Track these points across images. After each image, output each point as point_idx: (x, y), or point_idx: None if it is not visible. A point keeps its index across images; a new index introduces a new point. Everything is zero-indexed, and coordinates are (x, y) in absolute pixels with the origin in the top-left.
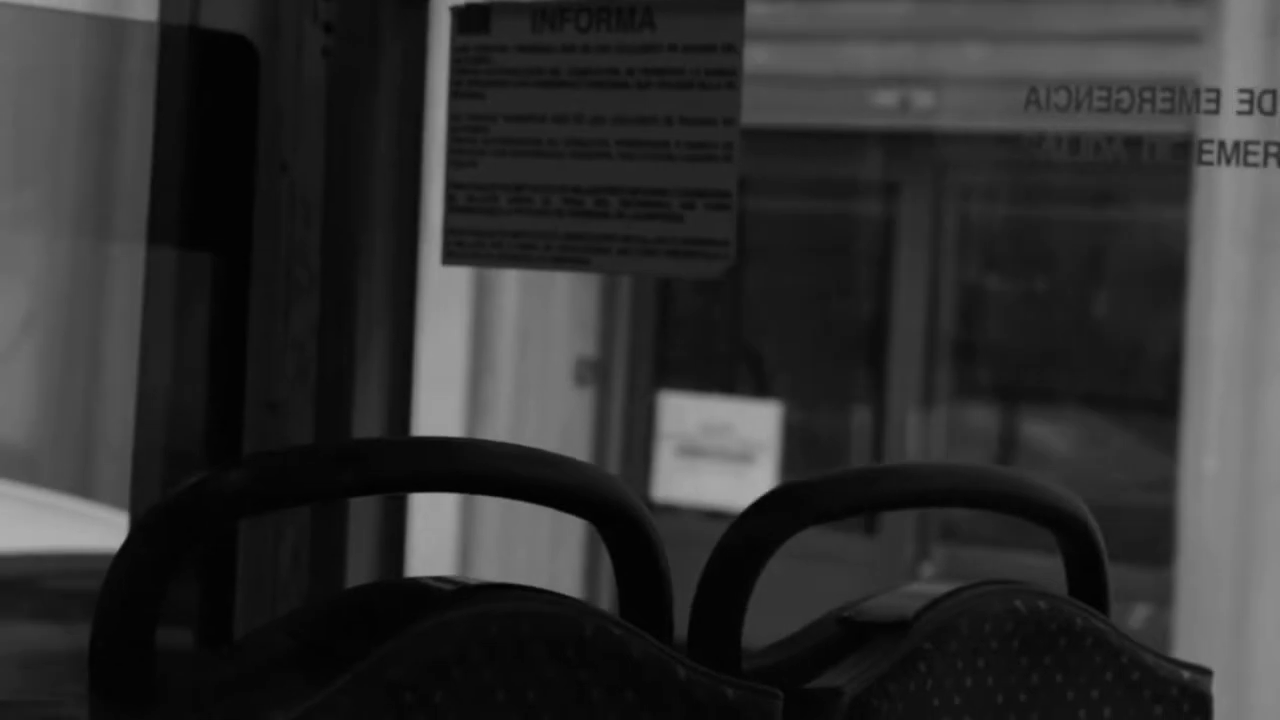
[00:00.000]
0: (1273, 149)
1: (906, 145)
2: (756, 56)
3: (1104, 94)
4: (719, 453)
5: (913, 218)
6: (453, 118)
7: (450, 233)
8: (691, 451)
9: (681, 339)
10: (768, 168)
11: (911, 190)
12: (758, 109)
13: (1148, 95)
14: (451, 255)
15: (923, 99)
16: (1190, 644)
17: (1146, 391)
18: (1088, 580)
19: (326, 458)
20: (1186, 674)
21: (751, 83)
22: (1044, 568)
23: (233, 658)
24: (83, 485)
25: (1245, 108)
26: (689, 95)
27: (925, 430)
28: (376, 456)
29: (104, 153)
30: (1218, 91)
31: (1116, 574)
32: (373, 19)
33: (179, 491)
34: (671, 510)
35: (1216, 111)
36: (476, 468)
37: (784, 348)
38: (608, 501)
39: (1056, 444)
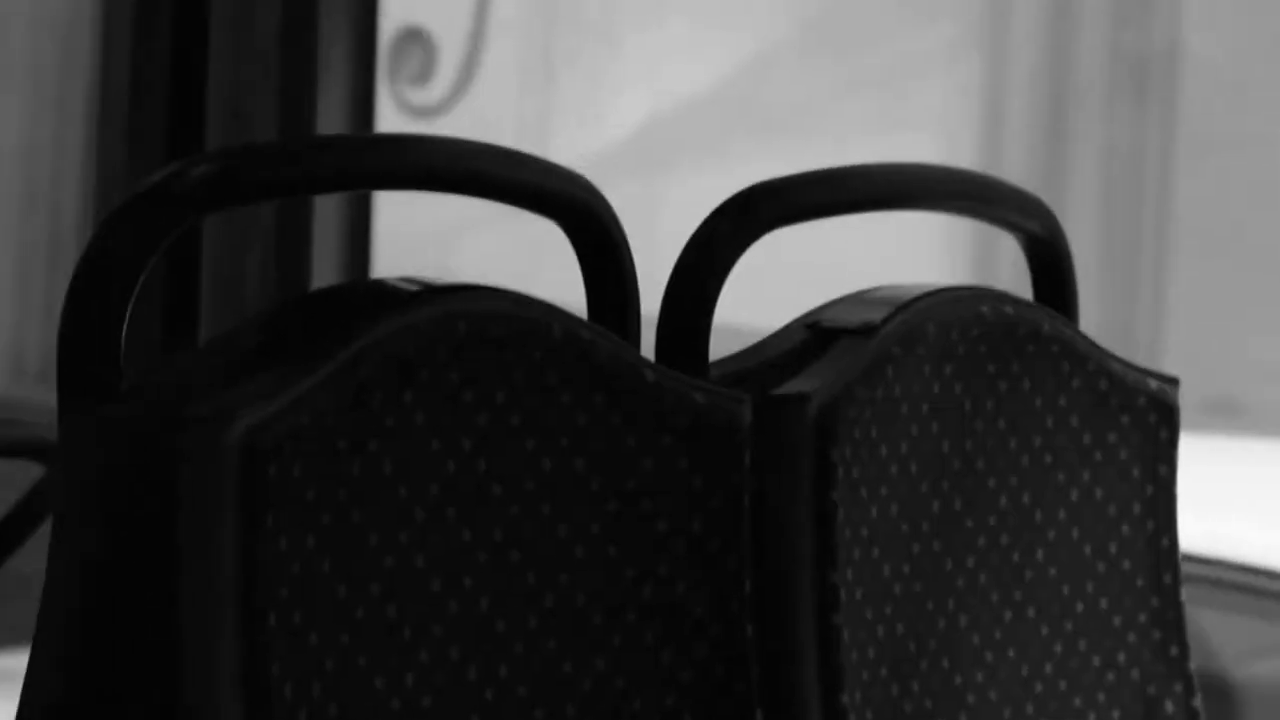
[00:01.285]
0: None
1: None
2: None
3: None
4: None
5: None
6: None
7: None
8: None
9: None
10: None
11: None
12: None
13: None
14: None
15: None
16: None
17: None
18: (1054, 287)
19: (293, 150)
20: (1154, 383)
21: None
22: None
23: (199, 358)
24: None
25: None
26: None
27: None
28: (343, 149)
29: None
30: None
31: None
32: None
33: (148, 185)
34: None
35: None
36: (442, 164)
37: None
38: (576, 202)
39: None
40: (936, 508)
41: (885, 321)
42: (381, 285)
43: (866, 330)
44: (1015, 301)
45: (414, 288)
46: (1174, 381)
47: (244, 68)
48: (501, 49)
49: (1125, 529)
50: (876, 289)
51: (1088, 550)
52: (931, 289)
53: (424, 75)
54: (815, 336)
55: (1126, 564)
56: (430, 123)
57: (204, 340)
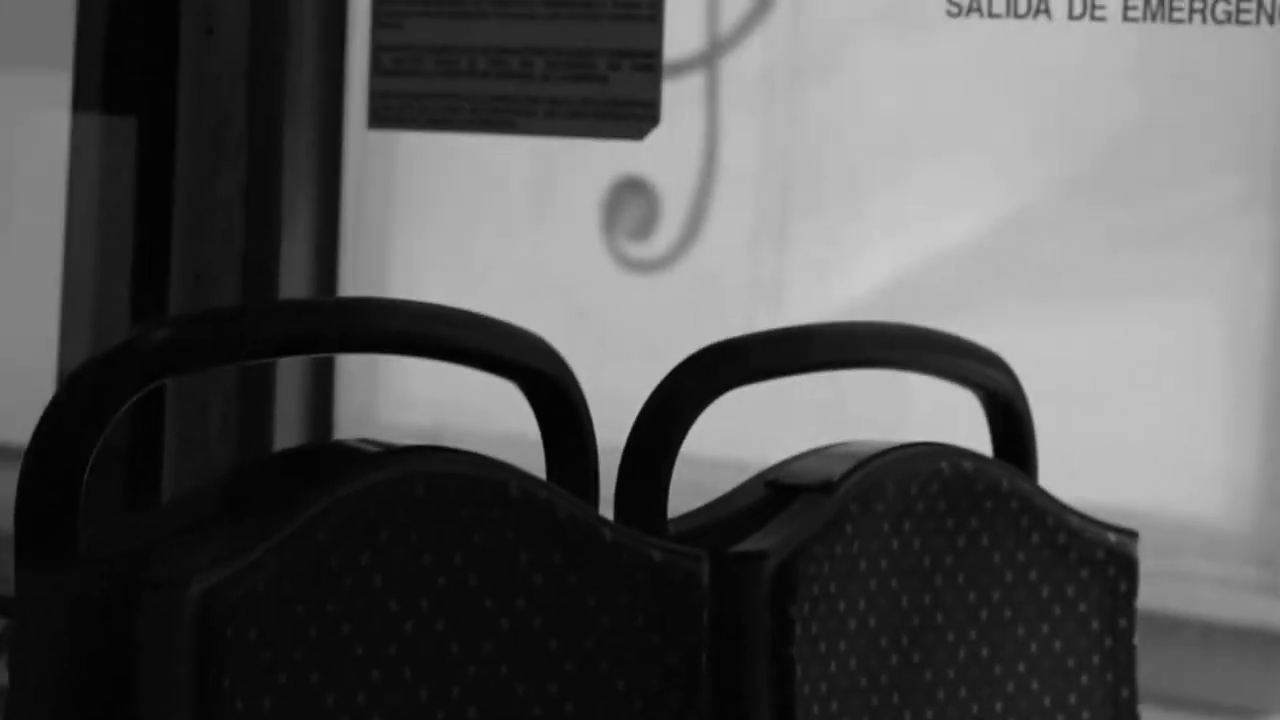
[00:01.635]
0: None
1: None
2: None
3: None
4: None
5: None
6: None
7: (376, 96)
8: None
9: None
10: None
11: None
12: None
13: None
14: (378, 119)
15: None
16: None
17: None
18: (1013, 442)
19: (253, 315)
20: (1113, 536)
21: None
22: None
23: (157, 520)
24: None
25: None
26: None
27: None
28: (302, 314)
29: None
30: None
31: None
32: None
33: (108, 350)
34: None
35: None
36: (402, 329)
37: None
38: (533, 365)
39: None
40: (896, 662)
41: (844, 478)
42: (341, 447)
43: (825, 487)
44: (974, 457)
45: (373, 449)
46: (1133, 534)
47: (207, 225)
48: (731, 202)
49: (1084, 680)
50: (836, 445)
51: (1047, 702)
52: (890, 445)
53: (645, 229)
54: (774, 493)
55: (1085, 715)
56: (652, 279)
57: (166, 500)
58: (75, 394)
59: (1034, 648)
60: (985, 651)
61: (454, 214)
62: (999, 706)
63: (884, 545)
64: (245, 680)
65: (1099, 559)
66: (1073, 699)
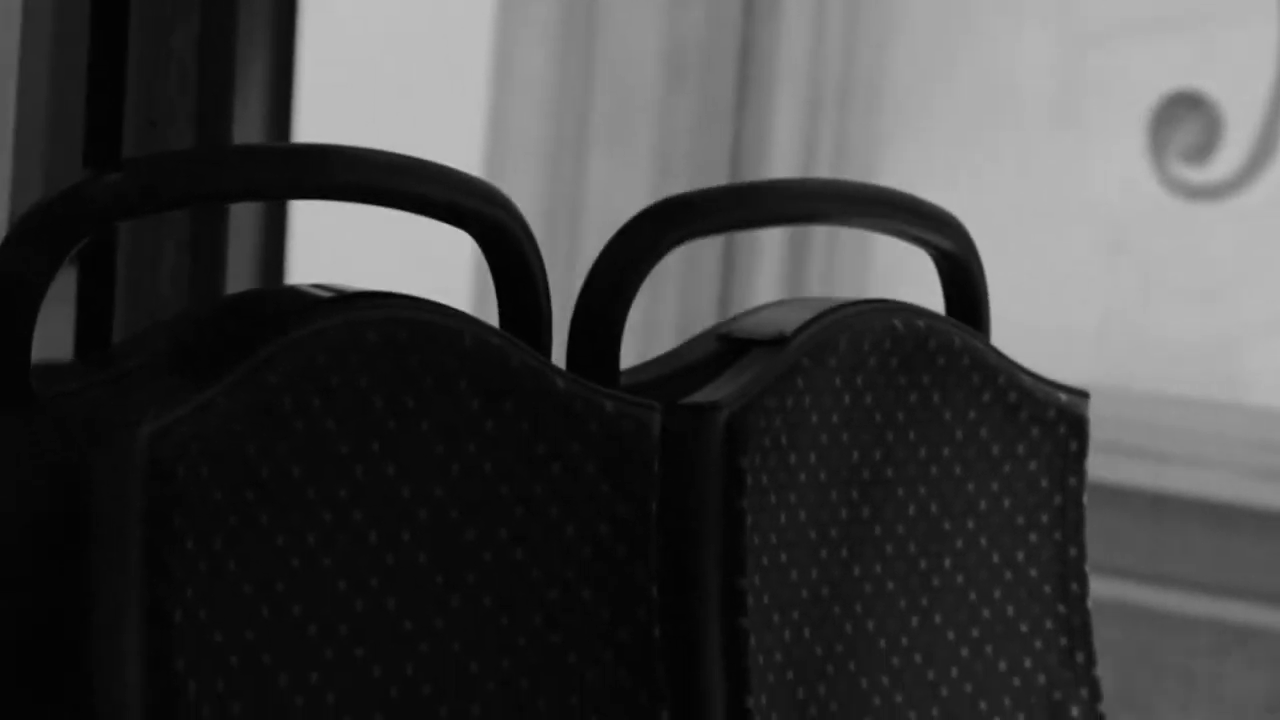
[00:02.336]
0: None
1: None
2: None
3: None
4: None
5: None
6: None
7: None
8: None
9: None
10: None
11: None
12: None
13: None
14: None
15: None
16: None
17: None
18: (966, 301)
19: (204, 159)
20: (1064, 396)
21: None
22: None
23: (107, 363)
24: None
25: None
26: None
27: None
28: (253, 159)
29: None
30: None
31: None
32: None
33: (58, 193)
34: None
35: None
36: (353, 176)
37: None
38: (487, 215)
39: None
40: (845, 515)
41: (797, 332)
42: (294, 291)
43: (778, 341)
44: (927, 315)
45: (326, 294)
46: (1084, 394)
47: (161, 75)
48: None
49: (1033, 538)
50: (789, 300)
51: (995, 558)
52: (843, 301)
53: (1203, 151)
54: (727, 346)
55: (1034, 572)
56: (1212, 207)
57: (115, 343)
58: (25, 236)
59: (983, 504)
60: (934, 507)
61: (956, 124)
62: (947, 562)
63: (836, 399)
64: (196, 519)
65: (1050, 418)
66: (1020, 556)
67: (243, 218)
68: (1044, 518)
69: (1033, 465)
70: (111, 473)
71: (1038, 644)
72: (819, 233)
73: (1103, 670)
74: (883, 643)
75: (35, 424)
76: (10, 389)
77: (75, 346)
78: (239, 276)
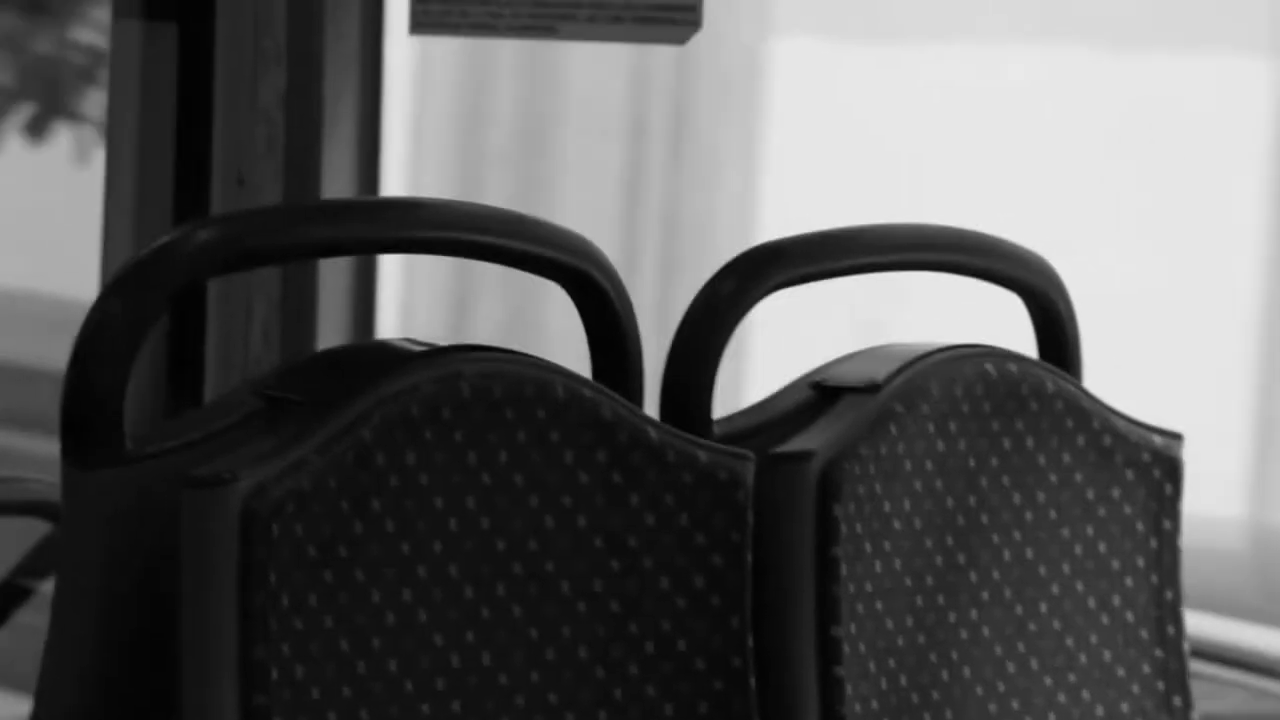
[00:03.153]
0: None
1: None
2: None
3: None
4: None
5: None
6: None
7: (417, 1)
8: None
9: None
10: None
11: None
12: None
13: None
14: (418, 25)
15: None
16: None
17: None
18: (1057, 344)
19: (296, 213)
20: (1159, 439)
21: None
22: None
23: (201, 420)
24: None
25: None
26: None
27: None
28: (345, 213)
29: None
30: None
31: None
32: None
33: (151, 248)
34: None
35: None
36: (445, 229)
37: None
38: (579, 265)
39: None
40: (940, 562)
41: (889, 379)
42: (385, 346)
43: (870, 388)
44: (1019, 359)
45: (417, 348)
46: (1178, 437)
47: (248, 131)
48: None
49: (1129, 582)
50: (881, 347)
51: (1092, 603)
52: (935, 347)
53: None
54: (819, 394)
55: (1130, 616)
56: None
57: (207, 402)
58: (118, 292)
59: (1079, 549)
60: (1030, 553)
61: None
62: (1043, 608)
63: (929, 446)
64: (290, 576)
65: (1144, 461)
66: (1117, 600)
67: (332, 274)
68: (1140, 561)
69: (1128, 509)
70: (206, 530)
71: (1135, 688)
72: None
73: None
74: (980, 690)
75: (129, 480)
76: (104, 445)
77: (167, 406)
78: (329, 333)
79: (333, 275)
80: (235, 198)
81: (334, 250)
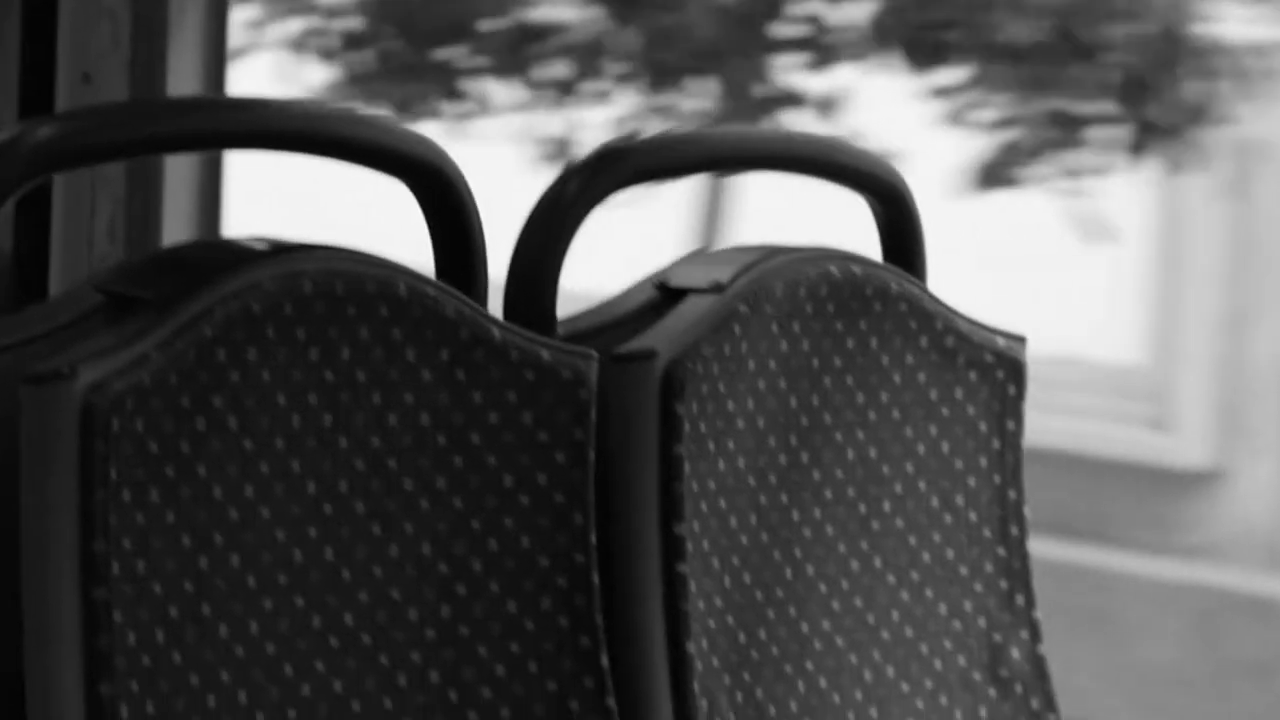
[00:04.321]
0: None
1: None
2: None
3: None
4: None
5: None
6: None
7: None
8: None
9: None
10: None
11: None
12: None
13: None
14: None
15: None
16: None
17: None
18: (902, 246)
19: (137, 110)
20: (1001, 340)
21: None
22: None
23: (43, 316)
24: None
25: None
26: None
27: None
28: (186, 110)
29: None
30: None
31: None
32: None
33: None
34: None
35: None
36: (287, 124)
37: None
38: (422, 161)
39: None
40: (784, 461)
41: (733, 279)
42: (229, 244)
43: (714, 288)
44: (863, 261)
45: (260, 246)
46: (1022, 339)
47: (94, 28)
48: None
49: (972, 482)
50: (724, 249)
51: (935, 503)
52: (778, 248)
53: None
54: (663, 294)
55: (973, 515)
56: None
57: (50, 298)
58: None
59: (922, 449)
60: (873, 452)
61: None
62: (887, 507)
63: (772, 346)
64: (131, 472)
65: (987, 362)
66: (960, 499)
67: (177, 172)
68: (983, 461)
69: (971, 410)
70: (46, 425)
71: (978, 587)
72: None
73: None
74: (823, 587)
75: None
76: None
77: (10, 304)
78: (175, 231)
79: (178, 173)
80: (80, 95)
81: (176, 146)
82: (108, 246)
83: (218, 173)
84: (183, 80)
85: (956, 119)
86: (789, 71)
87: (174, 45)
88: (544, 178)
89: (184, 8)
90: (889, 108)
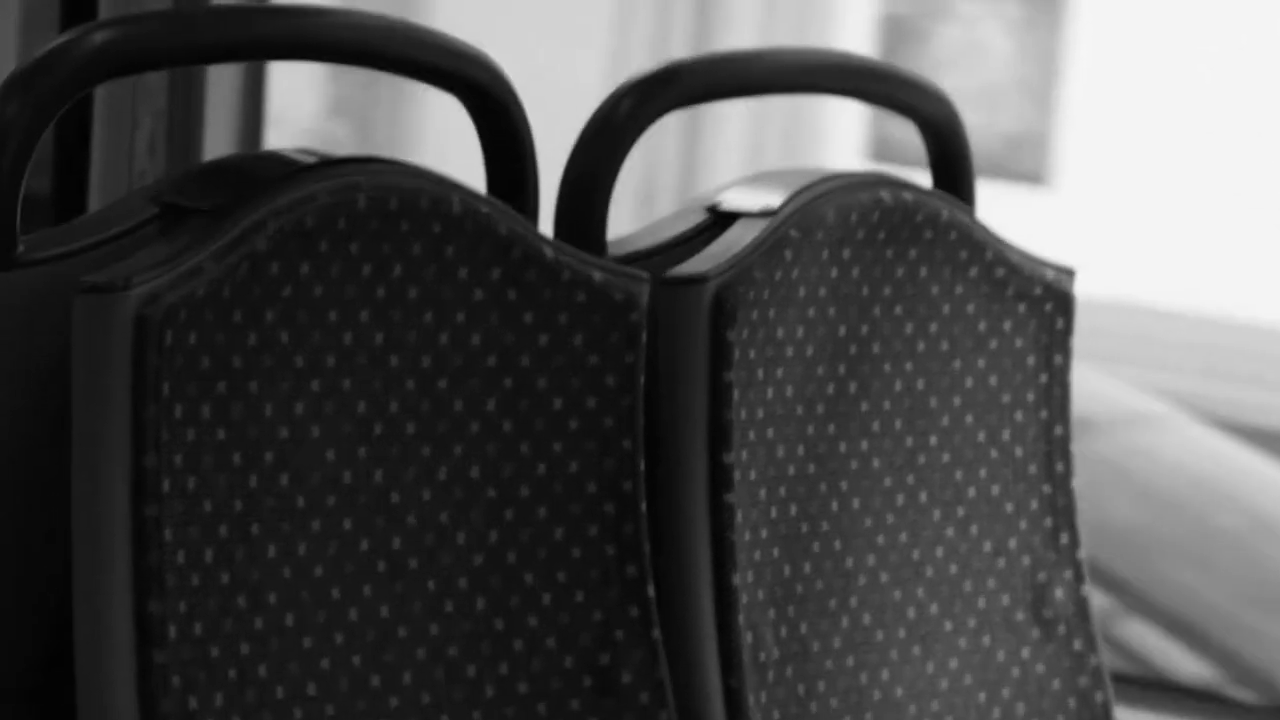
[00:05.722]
0: None
1: None
2: None
3: None
4: None
5: None
6: None
7: None
8: None
9: None
10: None
11: None
12: None
13: None
14: None
15: None
16: None
17: None
18: (953, 175)
19: (185, 18)
20: (1050, 272)
21: None
22: None
23: (93, 226)
24: None
25: None
26: None
27: None
28: (238, 18)
29: None
30: None
31: None
32: None
33: (45, 50)
34: None
35: None
36: (341, 37)
37: None
38: (475, 79)
39: None
40: (832, 390)
41: (784, 205)
42: (279, 156)
43: (765, 213)
44: (914, 188)
45: (312, 159)
46: (1071, 272)
47: None
48: None
49: (1019, 416)
50: (776, 172)
51: (981, 437)
52: (830, 174)
53: None
54: (714, 218)
55: (1019, 451)
56: None
57: (99, 209)
58: (13, 95)
59: (969, 382)
60: (921, 384)
61: None
62: (933, 439)
63: (822, 273)
64: (184, 387)
65: (1036, 294)
66: (1006, 434)
67: (219, 84)
68: (1030, 395)
69: (1019, 342)
70: (98, 338)
71: (1023, 524)
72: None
73: None
74: (868, 521)
75: (21, 284)
76: None
77: (52, 217)
78: (216, 145)
79: (219, 86)
80: (123, 1)
81: (229, 55)
82: (148, 162)
83: (260, 86)
84: None
85: None
86: None
87: None
88: None
89: None
90: None
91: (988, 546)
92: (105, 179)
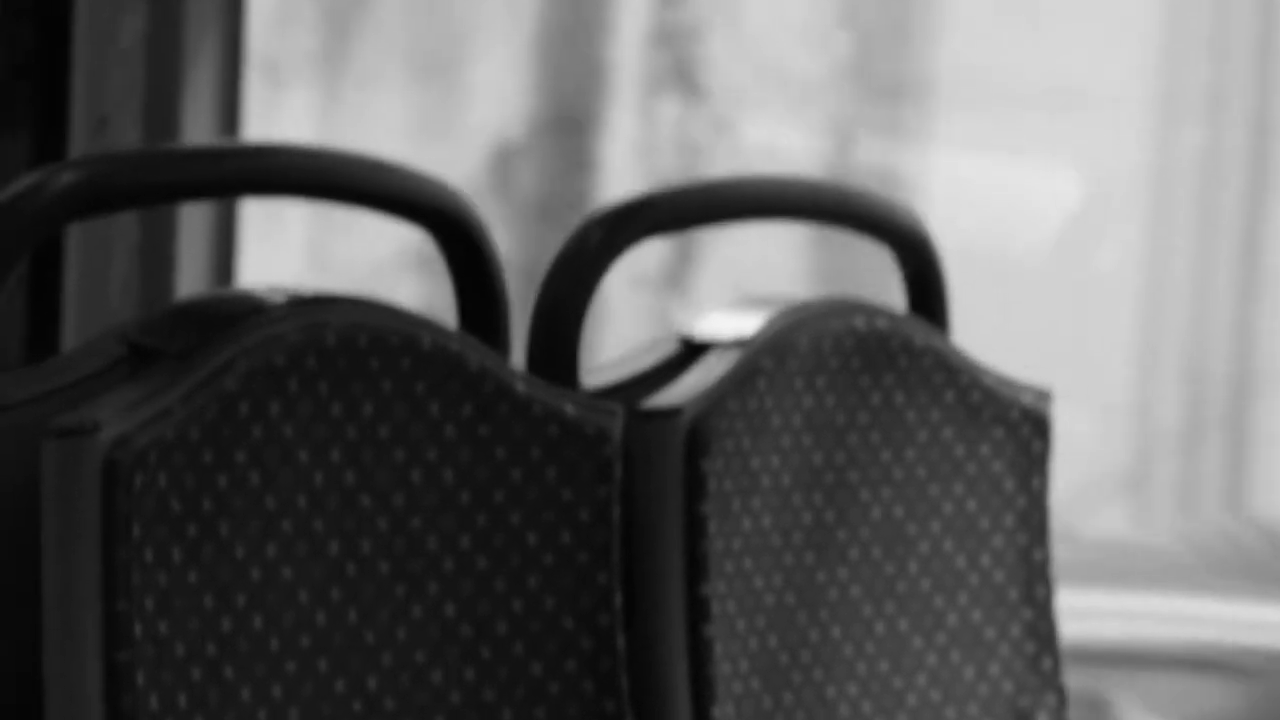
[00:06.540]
0: None
1: None
2: None
3: None
4: None
5: None
6: None
7: None
8: None
9: None
10: None
11: None
12: None
13: None
14: None
15: None
16: None
17: None
18: (927, 296)
19: (156, 158)
20: (1027, 397)
21: None
22: None
23: (62, 368)
24: None
25: None
26: None
27: None
28: (207, 157)
29: None
30: None
31: None
32: None
33: (14, 190)
34: None
35: None
36: (308, 173)
37: None
38: (445, 212)
39: None
40: (809, 519)
41: (757, 334)
42: (248, 296)
43: (738, 343)
44: (888, 314)
45: (281, 298)
46: (1048, 395)
47: (109, 75)
48: None
49: (998, 541)
50: (748, 300)
51: (961, 562)
52: (803, 301)
53: None
54: (687, 349)
55: (999, 576)
56: None
57: (66, 350)
58: None
59: (948, 507)
60: (899, 511)
61: None
62: (912, 566)
63: (797, 402)
64: (154, 529)
65: (1013, 418)
66: (985, 560)
67: (191, 222)
68: (1008, 520)
69: (996, 467)
70: (68, 481)
71: (1004, 650)
72: None
73: None
74: (849, 649)
75: None
76: None
77: (23, 357)
78: (189, 282)
79: (191, 223)
80: (96, 141)
81: (198, 193)
82: (121, 300)
83: (231, 222)
84: (197, 126)
85: None
86: None
87: (189, 89)
88: None
89: (199, 52)
90: None
91: (970, 673)
92: (79, 317)
